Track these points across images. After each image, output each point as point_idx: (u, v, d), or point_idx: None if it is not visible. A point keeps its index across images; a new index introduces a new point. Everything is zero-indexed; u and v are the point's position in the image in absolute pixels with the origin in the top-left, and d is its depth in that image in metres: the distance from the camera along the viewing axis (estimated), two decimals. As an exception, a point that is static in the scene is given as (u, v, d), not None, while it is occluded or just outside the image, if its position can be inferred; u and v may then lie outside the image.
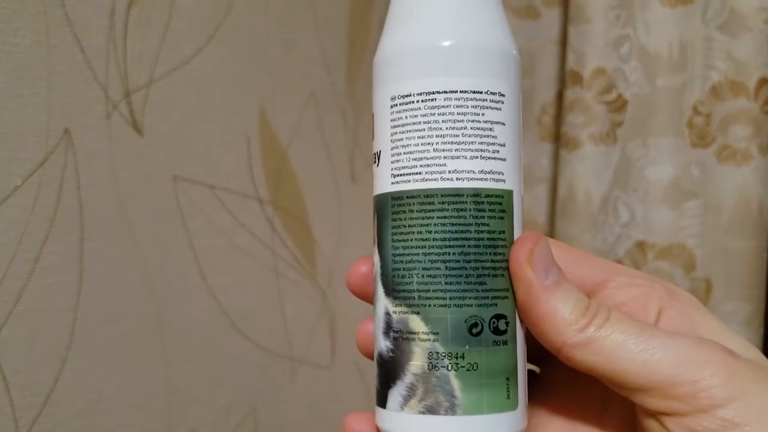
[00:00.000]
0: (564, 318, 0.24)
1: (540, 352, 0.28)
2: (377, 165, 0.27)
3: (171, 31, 0.45)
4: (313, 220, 0.59)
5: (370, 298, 0.29)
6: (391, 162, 0.27)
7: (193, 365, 0.47)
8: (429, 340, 0.25)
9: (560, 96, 0.79)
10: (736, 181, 0.69)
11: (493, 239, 0.26)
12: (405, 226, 0.26)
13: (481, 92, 0.26)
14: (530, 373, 0.31)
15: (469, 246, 0.25)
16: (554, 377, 0.30)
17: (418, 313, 0.26)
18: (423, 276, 0.26)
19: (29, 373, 0.36)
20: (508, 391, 0.26)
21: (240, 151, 0.51)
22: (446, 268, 0.25)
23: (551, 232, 0.80)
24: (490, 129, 0.26)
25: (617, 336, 0.24)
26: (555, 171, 0.80)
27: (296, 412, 0.57)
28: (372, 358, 0.28)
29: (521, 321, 0.26)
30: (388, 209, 0.27)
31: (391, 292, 0.26)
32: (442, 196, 0.25)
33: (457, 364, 0.25)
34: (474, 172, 0.26)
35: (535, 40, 0.81)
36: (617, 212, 0.72)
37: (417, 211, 0.26)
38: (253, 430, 0.53)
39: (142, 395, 0.43)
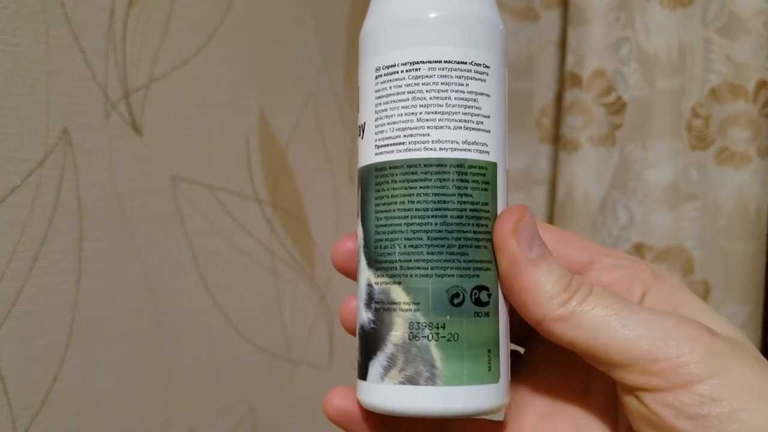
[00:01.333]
0: (546, 291, 0.24)
1: (523, 331, 0.28)
2: (361, 137, 0.27)
3: (170, 32, 0.45)
4: (311, 221, 0.59)
5: (354, 275, 0.28)
6: (375, 133, 0.27)
7: (192, 365, 0.47)
8: (410, 310, 0.25)
9: (559, 98, 0.79)
10: (734, 184, 0.69)
11: (476, 210, 0.26)
12: (388, 197, 0.26)
13: (466, 63, 0.26)
14: (514, 353, 0.31)
15: (451, 216, 0.25)
16: (537, 357, 0.30)
17: (399, 283, 0.26)
18: (405, 246, 0.25)
19: (27, 372, 0.36)
20: (489, 363, 0.25)
21: (239, 152, 0.51)
22: (428, 238, 0.25)
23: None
24: (474, 100, 0.26)
25: (599, 311, 0.24)
26: (554, 173, 0.80)
27: (294, 413, 0.57)
28: (355, 333, 0.28)
29: (504, 294, 0.26)
30: (372, 180, 0.27)
31: (374, 263, 0.26)
32: (425, 165, 0.25)
33: (437, 334, 0.25)
34: (458, 143, 0.26)
35: (534, 42, 0.82)
36: (616, 214, 0.72)
37: (400, 181, 0.26)
38: (251, 430, 0.52)
39: (140, 395, 0.43)
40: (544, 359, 0.29)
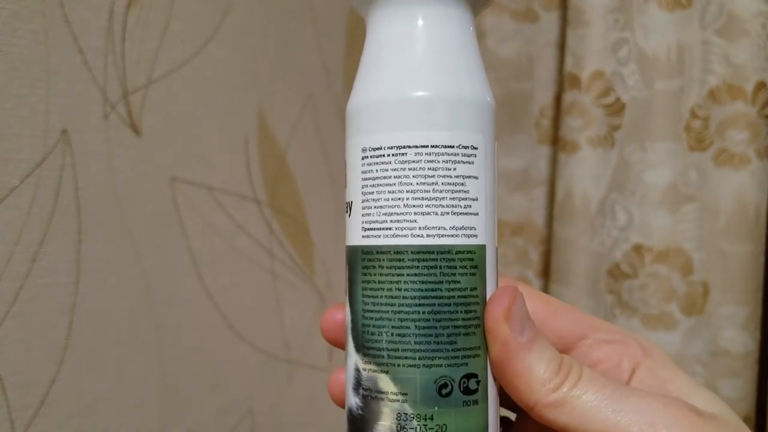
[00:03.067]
0: (538, 377, 0.24)
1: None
2: (349, 215, 0.27)
3: (170, 33, 0.45)
4: (311, 223, 0.59)
5: (344, 346, 0.28)
6: (362, 215, 0.26)
7: (190, 367, 0.47)
8: (398, 401, 0.25)
9: (558, 99, 0.79)
10: (733, 185, 0.69)
11: (465, 296, 0.25)
12: (375, 282, 0.26)
13: (453, 146, 0.25)
14: (505, 420, 0.32)
15: (439, 305, 0.25)
16: (529, 426, 0.30)
17: (387, 372, 0.25)
18: (392, 335, 0.25)
19: (25, 373, 0.36)
20: None
21: (238, 153, 0.51)
22: (416, 327, 0.25)
23: (549, 235, 0.80)
24: (462, 184, 0.25)
25: (589, 396, 0.24)
26: (553, 174, 0.80)
27: (293, 414, 0.57)
28: (344, 407, 0.28)
29: (494, 378, 0.26)
30: (359, 263, 0.26)
31: (361, 348, 0.26)
32: (412, 253, 0.25)
33: (425, 425, 0.25)
34: (445, 229, 0.25)
35: (533, 44, 0.82)
36: (615, 215, 0.72)
37: (387, 267, 0.25)
38: (249, 431, 0.52)
39: (138, 396, 0.43)
40: (535, 428, 0.29)
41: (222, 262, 0.50)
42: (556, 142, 0.78)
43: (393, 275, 0.25)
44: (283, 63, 0.56)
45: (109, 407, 0.41)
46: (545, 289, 0.80)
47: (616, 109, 0.72)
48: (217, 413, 0.50)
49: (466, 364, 0.25)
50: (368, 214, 0.26)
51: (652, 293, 0.71)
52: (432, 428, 0.25)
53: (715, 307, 0.70)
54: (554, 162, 0.79)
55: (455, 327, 0.25)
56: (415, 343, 0.25)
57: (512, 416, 0.32)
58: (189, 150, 0.47)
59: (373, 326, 0.26)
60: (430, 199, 0.25)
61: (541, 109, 0.81)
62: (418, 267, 0.25)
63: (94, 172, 0.40)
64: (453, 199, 0.25)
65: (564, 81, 0.75)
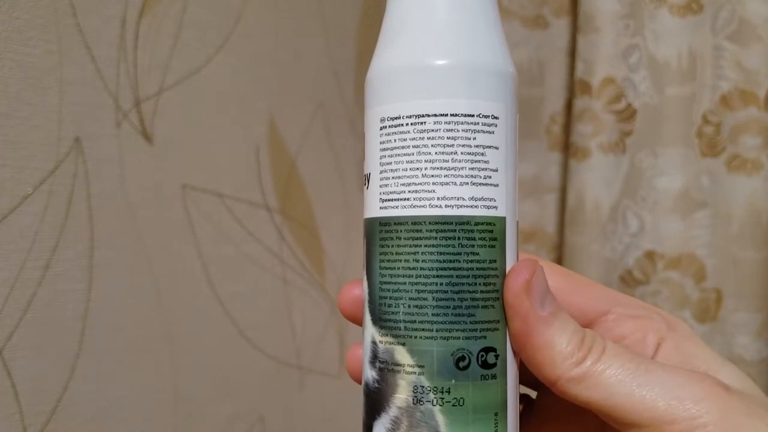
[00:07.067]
0: (560, 351, 0.24)
1: (535, 376, 0.28)
2: (367, 187, 0.27)
3: (181, 41, 0.45)
4: (321, 229, 0.59)
5: (362, 322, 0.28)
6: (380, 186, 0.26)
7: (202, 374, 0.47)
8: (414, 373, 0.25)
9: (569, 105, 0.79)
10: (746, 191, 0.68)
11: (484, 269, 0.25)
12: (392, 254, 0.25)
13: (473, 115, 0.25)
14: (526, 397, 0.31)
15: (458, 276, 0.24)
16: (550, 402, 0.30)
17: (404, 344, 0.25)
18: (410, 306, 0.25)
19: (38, 380, 0.36)
20: (496, 426, 0.25)
21: (249, 160, 0.51)
22: (434, 299, 0.24)
23: (560, 242, 0.80)
24: (482, 154, 0.25)
25: (614, 371, 0.24)
26: (564, 180, 0.80)
27: (305, 422, 0.57)
28: (361, 382, 0.28)
29: (515, 353, 0.26)
30: (376, 235, 0.26)
31: (378, 320, 0.26)
32: (430, 223, 0.25)
33: (442, 399, 0.24)
34: (464, 199, 0.25)
35: (544, 50, 0.82)
36: (626, 222, 0.72)
37: (405, 238, 0.25)
38: (260, 439, 0.52)
39: (150, 403, 0.43)
40: (557, 406, 0.29)
41: (233, 269, 0.50)
42: (567, 148, 0.78)
43: (411, 246, 0.25)
44: (293, 71, 0.56)
45: (120, 414, 0.41)
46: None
47: (628, 115, 0.72)
48: (228, 420, 0.50)
49: (485, 337, 0.25)
50: (386, 185, 0.25)
51: (665, 300, 0.70)
52: (449, 401, 0.24)
53: (729, 314, 0.69)
54: (565, 168, 0.79)
55: (474, 299, 0.25)
56: (433, 314, 0.24)
57: (533, 394, 0.31)
58: (200, 157, 0.47)
59: (390, 298, 0.25)
60: (448, 169, 0.25)
61: (551, 115, 0.81)
62: (436, 238, 0.24)
63: (107, 179, 0.40)
64: (472, 169, 0.25)
65: (575, 87, 0.74)
